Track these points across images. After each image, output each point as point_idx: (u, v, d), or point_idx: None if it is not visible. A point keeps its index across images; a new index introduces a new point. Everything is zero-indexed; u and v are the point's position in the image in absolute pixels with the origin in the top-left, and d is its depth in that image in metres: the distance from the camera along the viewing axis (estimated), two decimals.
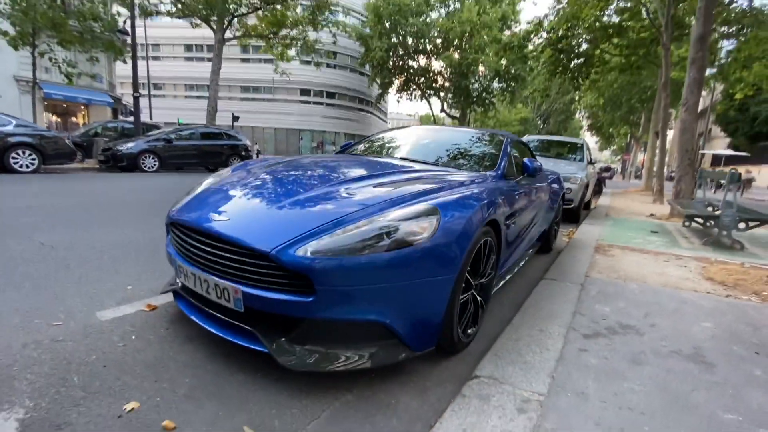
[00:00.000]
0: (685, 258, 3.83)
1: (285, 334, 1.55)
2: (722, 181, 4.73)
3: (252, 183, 2.08)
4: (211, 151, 12.30)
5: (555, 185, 4.33)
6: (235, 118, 18.92)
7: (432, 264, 1.60)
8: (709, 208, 5.48)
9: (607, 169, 14.96)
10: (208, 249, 1.63)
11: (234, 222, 1.65)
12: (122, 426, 1.29)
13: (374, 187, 1.95)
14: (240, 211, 1.76)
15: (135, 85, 12.45)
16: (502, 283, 2.59)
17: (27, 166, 8.37)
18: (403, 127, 3.70)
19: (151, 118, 20.55)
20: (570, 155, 7.77)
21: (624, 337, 1.93)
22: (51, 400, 1.37)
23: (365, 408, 1.48)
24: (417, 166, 2.53)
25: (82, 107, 20.43)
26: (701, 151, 22.74)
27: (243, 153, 13.25)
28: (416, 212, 1.65)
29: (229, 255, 1.56)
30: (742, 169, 22.00)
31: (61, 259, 2.79)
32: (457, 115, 32.42)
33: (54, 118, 20.06)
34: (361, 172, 2.26)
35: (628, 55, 12.80)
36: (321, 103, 41.42)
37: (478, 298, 2.04)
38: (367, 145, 3.38)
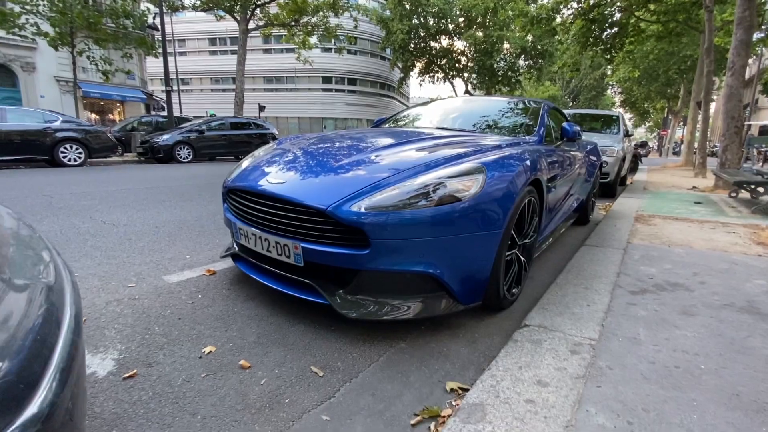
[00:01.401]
0: (732, 225, 3.68)
1: (341, 286, 1.65)
2: None
3: (299, 152, 2.18)
4: (240, 141, 12.62)
5: (593, 156, 4.22)
6: (262, 108, 19.26)
7: (478, 219, 1.65)
8: (758, 177, 5.20)
9: (643, 144, 14.33)
10: (267, 210, 1.74)
11: (289, 184, 1.75)
12: (203, 364, 1.43)
13: (417, 150, 2.00)
14: (293, 175, 1.86)
15: (167, 79, 12.89)
16: (542, 249, 2.60)
17: (75, 160, 8.90)
18: (437, 99, 3.70)
19: (181, 112, 21.22)
20: (605, 128, 7.50)
21: (673, 293, 1.92)
22: (139, 345, 1.54)
23: (419, 354, 1.57)
24: (458, 132, 2.55)
25: (118, 104, 21.35)
26: (747, 122, 21.26)
27: (272, 141, 13.53)
28: (463, 170, 1.70)
29: (287, 214, 1.67)
30: None
31: (123, 234, 3.02)
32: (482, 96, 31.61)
33: (93, 115, 21.08)
34: (403, 139, 2.31)
35: (666, 22, 12.03)
36: (343, 90, 41.40)
37: (522, 258, 2.07)
38: (402, 117, 3.42)
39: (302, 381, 1.37)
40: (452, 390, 1.35)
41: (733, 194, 5.51)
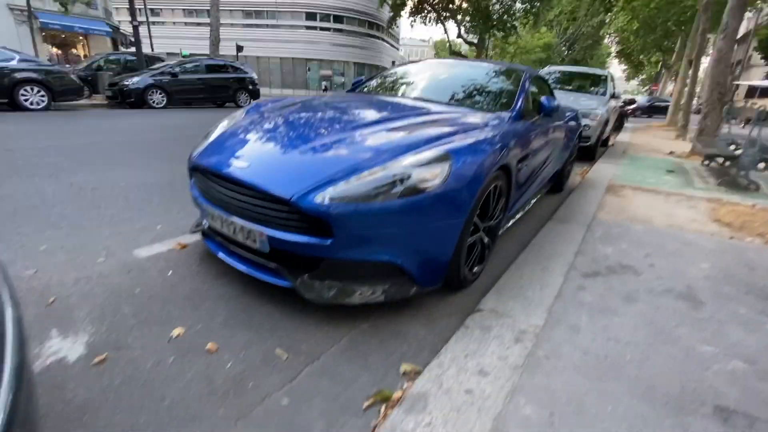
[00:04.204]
0: (696, 199, 3.83)
1: (307, 270, 1.71)
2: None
3: (267, 127, 2.12)
4: (217, 85, 12.00)
5: (572, 122, 4.21)
6: (239, 48, 17.98)
7: (443, 209, 1.68)
8: (732, 146, 5.31)
9: (631, 102, 14.21)
10: (232, 193, 1.73)
11: (254, 168, 1.72)
12: (172, 348, 1.50)
13: (387, 131, 1.97)
14: (259, 156, 1.83)
15: (133, 11, 11.80)
16: (510, 222, 2.68)
17: (38, 103, 8.35)
18: (416, 61, 3.55)
19: (152, 49, 19.70)
20: (593, 87, 7.39)
21: (621, 277, 2.06)
22: (108, 327, 1.59)
23: (379, 335, 1.68)
24: (431, 107, 2.50)
25: (81, 37, 19.56)
26: (736, 82, 21.13)
27: (250, 87, 12.89)
28: (428, 158, 1.70)
29: (252, 199, 1.67)
30: None
31: (91, 199, 2.96)
32: (475, 41, 30.16)
33: (54, 50, 19.38)
34: (375, 115, 2.26)
35: None
36: (328, 29, 38.70)
37: (485, 239, 2.15)
38: (379, 82, 3.30)
39: (266, 364, 1.46)
40: (405, 372, 1.47)
41: (706, 162, 5.65)
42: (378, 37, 43.14)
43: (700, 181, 4.70)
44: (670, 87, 30.67)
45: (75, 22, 16.82)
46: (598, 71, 7.74)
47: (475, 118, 2.34)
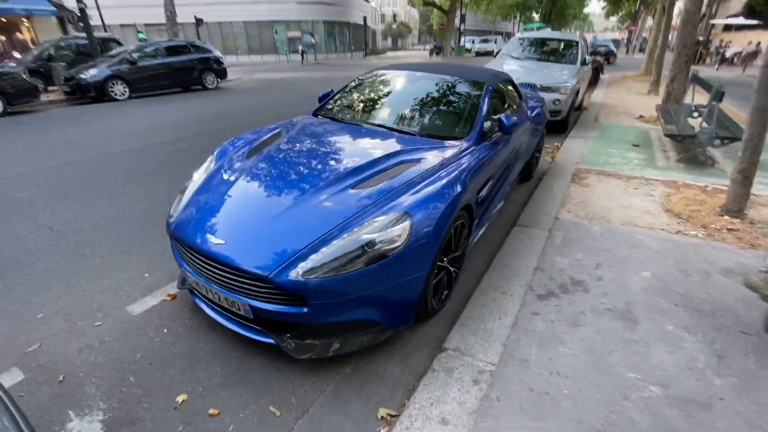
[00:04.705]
0: (654, 183, 4.07)
1: (289, 331, 1.91)
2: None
3: (237, 188, 2.21)
4: (181, 68, 11.45)
5: (538, 110, 4.32)
6: (199, 22, 16.81)
7: (409, 264, 1.87)
8: (695, 113, 5.51)
9: (608, 54, 14.21)
10: (213, 268, 1.88)
11: (230, 244, 1.86)
12: (180, 416, 1.72)
13: (351, 189, 2.09)
14: (232, 229, 1.95)
15: None
16: (478, 235, 2.86)
17: None
18: (377, 76, 3.55)
19: (102, 22, 18.25)
20: (565, 51, 7.38)
21: (572, 296, 2.31)
22: (119, 400, 1.79)
23: (359, 379, 1.92)
24: (391, 143, 2.60)
25: (24, 20, 17.99)
26: (712, 21, 20.88)
27: (216, 66, 12.34)
28: (391, 221, 1.86)
29: (232, 275, 1.82)
30: (747, 38, 20.60)
31: (74, 246, 3.04)
32: None
33: None
34: (339, 164, 2.36)
35: None
36: None
37: (452, 269, 2.36)
38: (343, 101, 3.37)
39: (263, 423, 1.70)
40: (382, 417, 1.72)
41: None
42: None
43: (662, 157, 4.93)
44: (649, 23, 30.09)
45: (15, 4, 15.34)
46: (569, 37, 7.67)
47: (433, 153, 2.47)
